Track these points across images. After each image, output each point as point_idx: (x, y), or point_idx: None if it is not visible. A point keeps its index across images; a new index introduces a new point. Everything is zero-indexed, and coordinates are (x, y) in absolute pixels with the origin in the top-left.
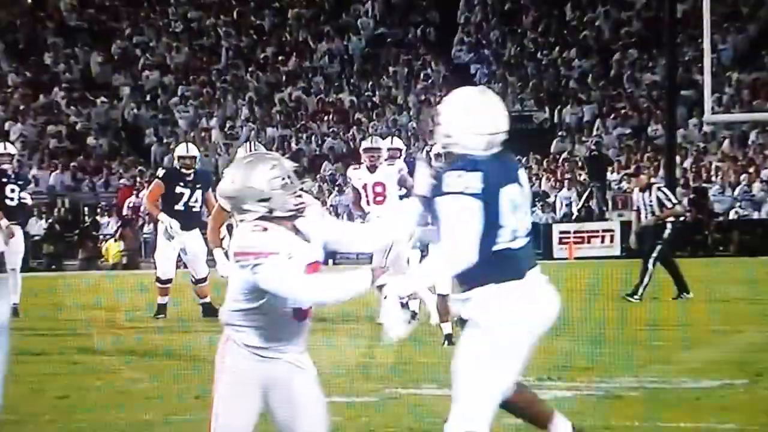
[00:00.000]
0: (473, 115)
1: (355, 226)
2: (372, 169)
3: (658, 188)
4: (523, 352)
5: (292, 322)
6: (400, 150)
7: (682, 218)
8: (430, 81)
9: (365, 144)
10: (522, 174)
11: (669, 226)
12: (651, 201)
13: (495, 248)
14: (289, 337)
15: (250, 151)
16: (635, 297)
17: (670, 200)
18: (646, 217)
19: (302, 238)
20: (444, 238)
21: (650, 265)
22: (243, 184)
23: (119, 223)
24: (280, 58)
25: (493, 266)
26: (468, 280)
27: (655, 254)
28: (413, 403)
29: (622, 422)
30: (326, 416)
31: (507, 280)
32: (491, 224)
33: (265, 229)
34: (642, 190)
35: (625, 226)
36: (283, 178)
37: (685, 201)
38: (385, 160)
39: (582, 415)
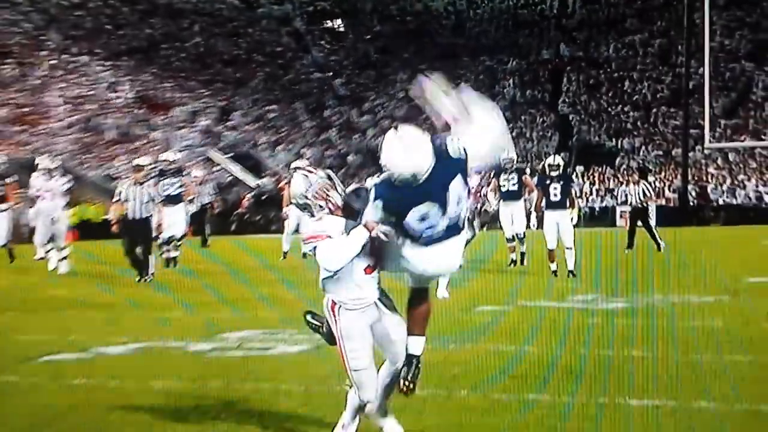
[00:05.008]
0: (395, 155)
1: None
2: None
3: (643, 184)
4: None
5: (364, 277)
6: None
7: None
8: (545, 124)
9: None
10: (450, 192)
11: (650, 207)
12: (638, 191)
13: (416, 234)
14: (368, 288)
15: None
16: (661, 247)
17: (649, 192)
18: (635, 200)
19: (349, 217)
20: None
21: (655, 231)
22: (293, 194)
23: None
24: None
25: (416, 240)
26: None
27: (653, 224)
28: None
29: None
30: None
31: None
32: (400, 229)
33: (320, 219)
34: (634, 184)
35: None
36: (311, 185)
37: (693, 193)
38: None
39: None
